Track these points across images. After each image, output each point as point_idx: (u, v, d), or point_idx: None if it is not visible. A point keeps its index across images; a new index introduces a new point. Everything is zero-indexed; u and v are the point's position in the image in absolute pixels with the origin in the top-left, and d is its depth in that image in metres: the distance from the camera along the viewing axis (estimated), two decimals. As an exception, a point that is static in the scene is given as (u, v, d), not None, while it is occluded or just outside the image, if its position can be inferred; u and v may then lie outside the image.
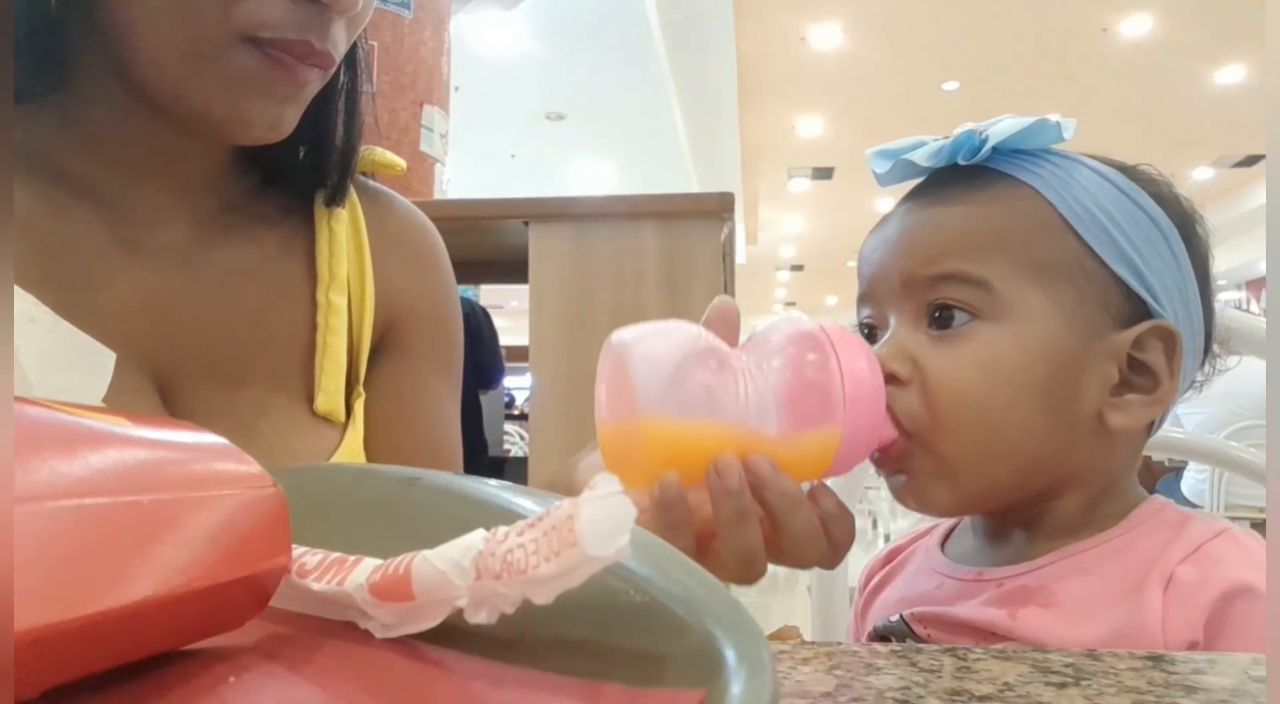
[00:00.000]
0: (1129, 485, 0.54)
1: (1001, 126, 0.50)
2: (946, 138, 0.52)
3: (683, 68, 6.40)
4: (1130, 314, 0.50)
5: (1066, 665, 0.30)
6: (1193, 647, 0.45)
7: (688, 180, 8.61)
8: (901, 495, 0.51)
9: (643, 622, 0.21)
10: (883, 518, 7.13)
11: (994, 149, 0.50)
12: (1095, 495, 0.52)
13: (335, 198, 0.60)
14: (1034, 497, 0.51)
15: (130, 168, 0.53)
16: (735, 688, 0.18)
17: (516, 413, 4.51)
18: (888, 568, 0.62)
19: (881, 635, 0.56)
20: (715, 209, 1.59)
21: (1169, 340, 0.50)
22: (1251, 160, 8.95)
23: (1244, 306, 9.37)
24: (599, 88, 6.81)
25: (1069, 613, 0.48)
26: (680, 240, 1.59)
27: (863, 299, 0.55)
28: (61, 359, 0.44)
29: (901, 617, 0.54)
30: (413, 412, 0.64)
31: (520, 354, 2.56)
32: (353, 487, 0.32)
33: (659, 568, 0.23)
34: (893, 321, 0.52)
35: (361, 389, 0.60)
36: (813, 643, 0.34)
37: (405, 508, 0.30)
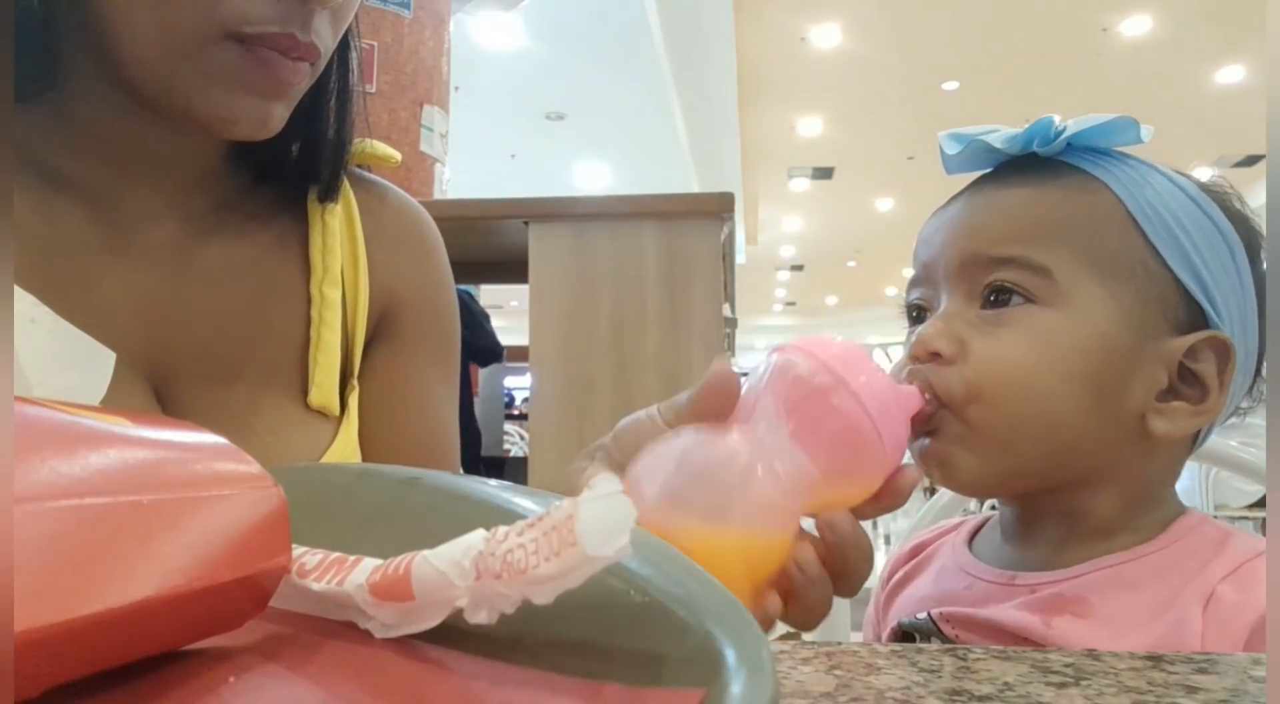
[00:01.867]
0: (1167, 496, 0.53)
1: (1081, 120, 0.50)
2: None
3: (683, 68, 6.40)
4: (1187, 322, 0.50)
5: (1066, 665, 0.30)
6: None
7: (688, 180, 8.61)
8: (925, 459, 0.50)
9: (643, 622, 0.21)
10: (882, 518, 7.13)
11: (1069, 143, 0.51)
12: (1130, 502, 0.51)
13: (328, 193, 0.60)
14: (1062, 487, 0.51)
15: (122, 167, 0.52)
16: (735, 688, 0.18)
17: (516, 413, 4.51)
18: (912, 563, 0.61)
19: (907, 632, 0.55)
20: (715, 209, 1.59)
21: (1223, 352, 0.49)
22: (1251, 160, 8.95)
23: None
24: (599, 88, 6.81)
25: (1107, 626, 0.47)
26: (680, 240, 1.59)
27: (916, 281, 0.55)
28: (61, 359, 0.44)
29: (930, 615, 0.53)
30: (404, 401, 0.63)
31: (520, 354, 2.56)
32: (353, 487, 0.32)
33: (659, 568, 0.23)
34: (944, 300, 0.51)
35: (356, 382, 0.60)
36: (813, 643, 0.34)
37: (405, 508, 0.30)
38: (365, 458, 0.59)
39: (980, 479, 0.50)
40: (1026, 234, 0.49)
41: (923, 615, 0.54)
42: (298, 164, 0.59)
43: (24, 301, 0.44)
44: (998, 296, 0.49)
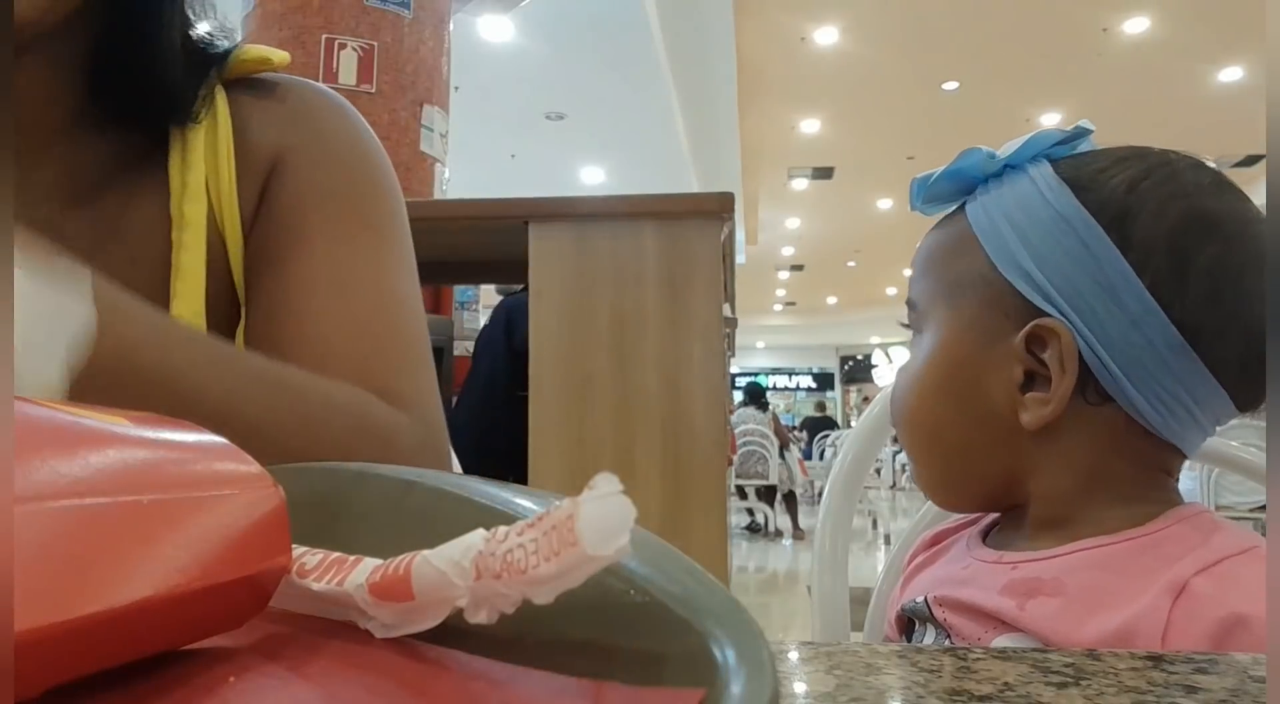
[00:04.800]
0: (1153, 489, 0.52)
1: (964, 159, 0.56)
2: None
3: (683, 68, 6.40)
4: (1027, 318, 0.51)
5: (1066, 665, 0.30)
6: None
7: (688, 180, 8.62)
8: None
9: (643, 622, 0.21)
10: (882, 518, 7.14)
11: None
12: (1079, 491, 0.52)
13: (182, 117, 0.54)
14: (1010, 488, 0.54)
15: None
16: (735, 688, 0.18)
17: (516, 413, 4.50)
18: (931, 551, 0.62)
19: (907, 615, 0.57)
20: (715, 209, 1.59)
21: (1053, 337, 0.50)
22: (1251, 160, 8.95)
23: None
24: (599, 88, 6.81)
25: (1074, 605, 0.47)
26: (680, 240, 1.59)
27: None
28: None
29: (925, 599, 0.55)
30: (308, 285, 0.52)
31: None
32: (353, 487, 0.32)
33: (659, 568, 0.23)
34: None
35: (241, 300, 0.55)
36: (813, 643, 0.34)
37: (405, 508, 0.30)
38: (267, 348, 0.52)
39: (939, 493, 0.59)
40: (915, 275, 0.59)
41: (920, 599, 0.55)
42: (154, 99, 0.53)
43: None
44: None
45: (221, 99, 0.58)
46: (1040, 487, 0.53)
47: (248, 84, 0.59)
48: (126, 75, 0.53)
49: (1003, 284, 0.52)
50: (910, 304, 0.59)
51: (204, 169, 0.54)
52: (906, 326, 0.59)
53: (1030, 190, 0.53)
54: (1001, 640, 0.50)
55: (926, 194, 0.57)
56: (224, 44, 0.58)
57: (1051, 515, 0.53)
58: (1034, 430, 0.51)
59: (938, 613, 0.54)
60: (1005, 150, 0.54)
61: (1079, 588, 0.48)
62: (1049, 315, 0.51)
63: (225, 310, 0.55)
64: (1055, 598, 0.48)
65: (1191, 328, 0.49)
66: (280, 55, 0.60)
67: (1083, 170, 0.52)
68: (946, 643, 0.52)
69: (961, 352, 0.54)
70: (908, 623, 0.58)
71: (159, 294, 0.52)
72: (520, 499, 0.27)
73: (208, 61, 0.56)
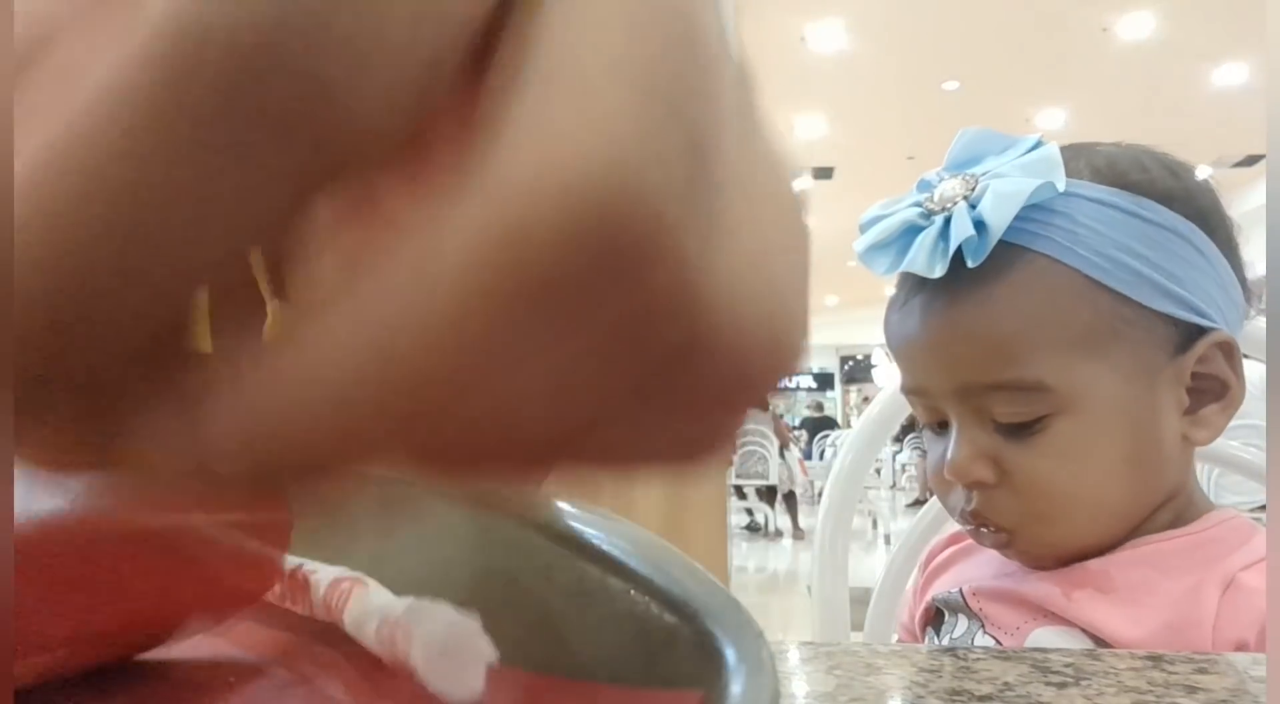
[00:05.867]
0: (1196, 488, 0.54)
1: (995, 206, 0.47)
2: (928, 220, 0.49)
3: (683, 68, 6.40)
4: (1183, 335, 0.49)
5: (1066, 665, 0.30)
6: (1240, 647, 0.45)
7: (688, 180, 8.61)
8: (1006, 553, 0.53)
9: (642, 623, 0.21)
10: (882, 518, 7.13)
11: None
12: (1175, 504, 0.52)
13: None
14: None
15: None
16: (735, 688, 0.18)
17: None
18: (953, 549, 0.62)
19: (937, 607, 0.57)
20: (715, 209, 1.59)
21: (1225, 347, 0.50)
22: (1251, 160, 8.95)
23: (1244, 306, 9.37)
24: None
25: (1124, 600, 0.48)
26: (680, 240, 1.59)
27: (913, 392, 0.54)
28: None
29: (960, 591, 0.55)
30: None
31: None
32: (352, 486, 0.32)
33: (659, 568, 0.23)
34: (955, 419, 0.51)
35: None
36: (813, 643, 0.34)
37: (403, 509, 0.30)
38: None
39: (1064, 559, 0.52)
40: (1004, 354, 0.48)
41: (954, 591, 0.55)
42: None
43: None
44: (1011, 412, 0.49)
45: None
46: (1167, 512, 0.52)
47: None
48: None
49: (1146, 315, 0.48)
50: (1035, 387, 0.48)
51: None
52: (1025, 415, 0.48)
53: (1105, 213, 0.48)
54: (1041, 632, 0.50)
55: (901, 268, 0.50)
56: None
57: (1149, 531, 0.52)
58: (1200, 446, 0.51)
59: (973, 603, 0.54)
60: (998, 219, 0.47)
61: (1128, 583, 0.49)
62: (1209, 328, 0.49)
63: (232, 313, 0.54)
64: (1105, 593, 0.49)
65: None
66: None
67: (1129, 177, 0.50)
68: (980, 633, 0.53)
69: (1138, 404, 0.49)
70: (935, 615, 0.58)
71: None
72: (519, 499, 0.27)
73: None
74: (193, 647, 0.23)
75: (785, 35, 6.92)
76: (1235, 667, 0.30)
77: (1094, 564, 0.50)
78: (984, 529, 0.52)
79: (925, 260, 0.48)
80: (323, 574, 0.24)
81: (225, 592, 0.23)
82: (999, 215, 0.47)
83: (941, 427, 0.53)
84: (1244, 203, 9.74)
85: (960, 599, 0.54)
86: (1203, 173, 0.55)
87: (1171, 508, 0.52)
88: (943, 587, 0.59)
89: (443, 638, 0.19)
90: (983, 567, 0.57)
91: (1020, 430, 0.49)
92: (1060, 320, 0.48)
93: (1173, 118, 7.87)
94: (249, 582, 0.23)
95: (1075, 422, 0.48)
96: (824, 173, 10.06)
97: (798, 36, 6.96)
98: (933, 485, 0.55)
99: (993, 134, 0.52)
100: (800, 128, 8.85)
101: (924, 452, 0.60)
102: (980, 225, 0.47)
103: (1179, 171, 0.52)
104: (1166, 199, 0.50)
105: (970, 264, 0.48)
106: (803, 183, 10.50)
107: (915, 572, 0.66)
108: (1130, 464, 0.49)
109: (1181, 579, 0.48)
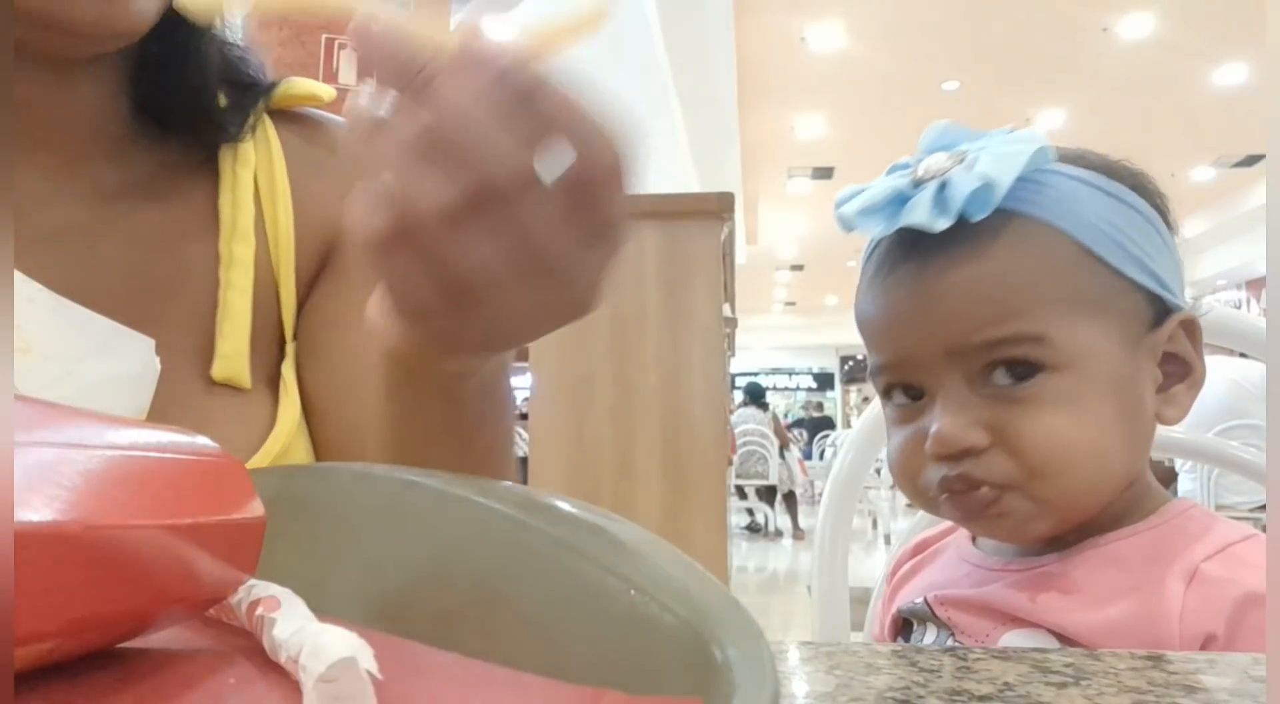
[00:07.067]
0: (1151, 479, 0.54)
1: (996, 165, 0.48)
2: (922, 184, 0.49)
3: (683, 68, 6.39)
4: (1154, 313, 0.51)
5: (1066, 665, 0.30)
6: (1209, 640, 0.45)
7: (688, 180, 8.61)
8: (991, 532, 0.53)
9: (642, 622, 0.21)
10: (882, 518, 7.13)
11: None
12: (1133, 492, 0.52)
13: (233, 135, 0.55)
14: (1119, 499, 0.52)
15: (19, 142, 0.49)
16: (735, 689, 0.18)
17: (516, 413, 4.51)
18: (917, 558, 0.62)
19: (904, 618, 0.57)
20: (715, 209, 1.59)
21: (1191, 327, 0.52)
22: (1251, 160, 8.94)
23: (1244, 306, 9.37)
24: (598, 87, 6.79)
25: (1089, 599, 0.48)
26: (680, 240, 1.59)
27: (884, 369, 0.54)
28: (65, 336, 0.44)
29: (925, 600, 0.55)
30: (344, 337, 0.54)
31: (520, 354, 2.56)
32: (350, 488, 0.32)
33: (659, 568, 0.23)
34: (939, 388, 0.51)
35: (290, 351, 0.55)
36: (813, 643, 0.34)
37: (404, 509, 0.30)
38: (331, 408, 0.54)
39: (1048, 533, 0.51)
40: (1005, 309, 0.49)
41: (919, 601, 0.55)
42: (198, 117, 0.55)
43: (24, 285, 0.44)
44: (1007, 371, 0.49)
45: (274, 136, 0.58)
46: (1123, 497, 0.52)
47: (299, 123, 0.60)
48: (168, 87, 0.54)
49: (1130, 289, 0.50)
50: (1036, 339, 0.49)
51: (253, 210, 0.55)
52: (1019, 373, 0.49)
53: (1093, 194, 0.51)
54: (1010, 636, 0.50)
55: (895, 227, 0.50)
56: (268, 78, 0.59)
57: (1105, 521, 0.52)
58: (1165, 425, 0.52)
59: (940, 612, 0.54)
60: (1001, 175, 0.48)
61: (1091, 582, 0.49)
62: (1176, 307, 0.52)
63: (267, 348, 0.55)
64: (1068, 594, 0.49)
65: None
66: (327, 91, 0.60)
67: (1097, 166, 0.53)
68: (950, 641, 0.53)
69: (1128, 370, 0.50)
70: (903, 625, 0.58)
71: (203, 326, 0.53)
72: (519, 498, 0.27)
73: (254, 86, 0.57)
74: (171, 636, 0.24)
75: (785, 35, 6.92)
76: (1235, 667, 0.30)
77: (1055, 567, 0.50)
78: (973, 492, 0.50)
79: (927, 215, 0.48)
80: (241, 594, 0.24)
81: (202, 585, 0.23)
82: (1002, 170, 0.48)
83: (914, 401, 0.52)
84: (1244, 203, 9.74)
85: (927, 608, 0.55)
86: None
87: (1132, 494, 0.52)
88: (908, 596, 0.58)
89: (331, 678, 0.19)
90: (947, 570, 0.57)
91: (1018, 393, 0.49)
92: (1059, 281, 0.49)
93: (1173, 118, 7.87)
94: (224, 575, 0.23)
95: (1071, 378, 0.49)
96: (824, 173, 10.06)
97: (798, 36, 6.96)
98: (899, 467, 0.53)
99: (963, 127, 0.53)
100: (800, 128, 8.85)
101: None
102: (981, 185, 0.48)
103: (1132, 167, 0.54)
104: (1139, 189, 0.53)
105: (976, 218, 0.48)
106: (803, 183, 10.49)
107: (881, 584, 0.66)
108: (1121, 431, 0.50)
109: (1145, 575, 0.48)
